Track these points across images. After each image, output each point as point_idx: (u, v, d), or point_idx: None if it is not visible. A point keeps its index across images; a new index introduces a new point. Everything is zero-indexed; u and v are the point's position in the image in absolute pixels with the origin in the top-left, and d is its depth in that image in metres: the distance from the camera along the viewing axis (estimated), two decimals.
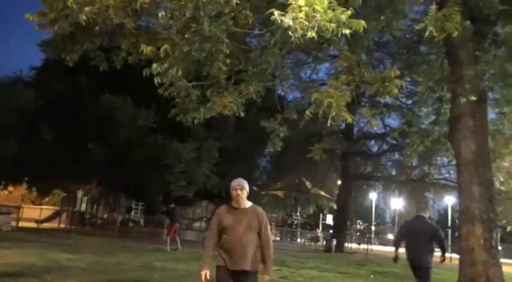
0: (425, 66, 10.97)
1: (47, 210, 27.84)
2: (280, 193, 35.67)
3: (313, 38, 4.73)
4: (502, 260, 11.81)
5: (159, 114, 19.09)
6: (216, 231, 4.14)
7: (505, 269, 9.96)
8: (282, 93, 12.99)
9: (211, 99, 7.54)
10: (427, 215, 7.79)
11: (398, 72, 6.46)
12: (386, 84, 6.35)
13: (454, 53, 9.01)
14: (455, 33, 6.38)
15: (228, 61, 7.09)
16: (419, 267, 7.30)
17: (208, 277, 4.02)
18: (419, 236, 7.34)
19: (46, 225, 25.30)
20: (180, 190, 21.65)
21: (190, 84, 7.39)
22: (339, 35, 5.17)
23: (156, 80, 6.88)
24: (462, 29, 6.90)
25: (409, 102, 17.78)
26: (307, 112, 6.65)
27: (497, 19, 8.39)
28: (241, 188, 4.14)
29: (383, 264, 16.92)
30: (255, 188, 26.77)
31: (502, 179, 12.67)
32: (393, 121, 23.99)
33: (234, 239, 4.02)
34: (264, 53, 8.48)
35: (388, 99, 19.79)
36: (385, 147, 27.82)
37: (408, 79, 18.93)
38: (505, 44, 8.55)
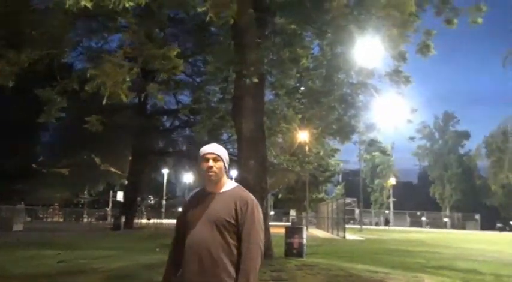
0: (216, 47, 11.61)
1: None
2: (65, 171, 32.95)
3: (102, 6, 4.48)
4: (273, 223, 13.62)
5: None
6: (177, 231, 2.47)
7: (275, 229, 11.56)
8: (64, 61, 11.95)
9: None
10: None
11: (178, 50, 6.68)
12: (166, 61, 6.52)
13: (240, 37, 9.80)
14: (232, 21, 6.91)
15: None
16: None
17: None
18: None
19: None
20: None
21: None
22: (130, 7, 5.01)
23: None
24: (246, 15, 7.51)
25: (199, 80, 18.67)
26: (87, 87, 6.32)
27: (276, 9, 9.46)
28: (215, 158, 2.33)
29: (171, 237, 17.35)
30: (34, 166, 24.06)
31: (275, 153, 14.50)
32: (186, 98, 24.77)
33: (191, 242, 2.27)
34: (46, 16, 7.63)
35: (180, 76, 20.36)
36: (177, 123, 28.50)
37: (200, 58, 19.81)
38: (281, 34, 9.73)
